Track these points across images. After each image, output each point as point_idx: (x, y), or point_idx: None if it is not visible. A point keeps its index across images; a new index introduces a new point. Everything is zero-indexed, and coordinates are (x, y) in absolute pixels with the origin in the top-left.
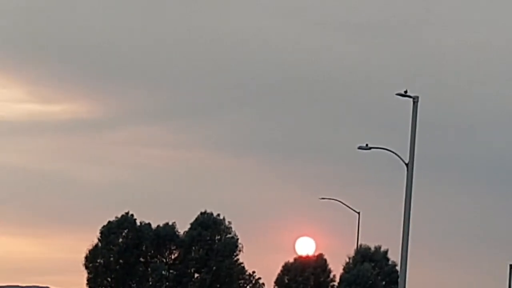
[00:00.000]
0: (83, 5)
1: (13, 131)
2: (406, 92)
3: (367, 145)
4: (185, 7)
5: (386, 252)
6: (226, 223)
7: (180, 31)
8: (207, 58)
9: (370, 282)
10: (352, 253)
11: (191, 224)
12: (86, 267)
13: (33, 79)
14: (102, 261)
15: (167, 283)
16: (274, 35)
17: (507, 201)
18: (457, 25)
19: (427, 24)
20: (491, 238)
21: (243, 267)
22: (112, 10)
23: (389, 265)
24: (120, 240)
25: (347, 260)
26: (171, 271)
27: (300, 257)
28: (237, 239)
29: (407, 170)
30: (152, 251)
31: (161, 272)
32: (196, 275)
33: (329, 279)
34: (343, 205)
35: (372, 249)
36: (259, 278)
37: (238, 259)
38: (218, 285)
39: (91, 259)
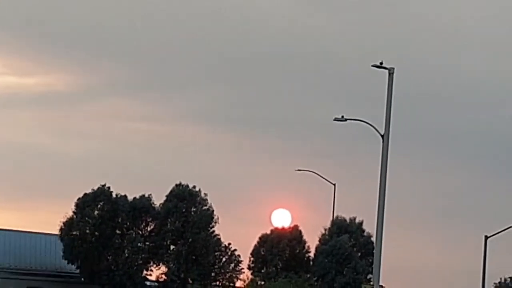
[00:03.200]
0: None
1: None
2: (381, 63)
3: (342, 116)
4: None
5: (361, 223)
6: (202, 195)
7: (154, 4)
8: (181, 32)
9: (346, 253)
10: (328, 224)
11: (167, 196)
12: (62, 240)
13: (8, 51)
14: (77, 233)
15: (143, 255)
16: (248, 10)
17: (483, 173)
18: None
19: None
20: (466, 210)
21: (219, 239)
22: None
23: (365, 236)
24: (96, 212)
25: (323, 231)
26: (147, 243)
27: (276, 229)
28: (213, 211)
29: (383, 141)
30: (128, 223)
31: (137, 244)
32: (172, 247)
33: (304, 250)
34: (319, 176)
35: (348, 220)
36: (235, 250)
37: (214, 231)
38: (194, 257)
39: (66, 231)
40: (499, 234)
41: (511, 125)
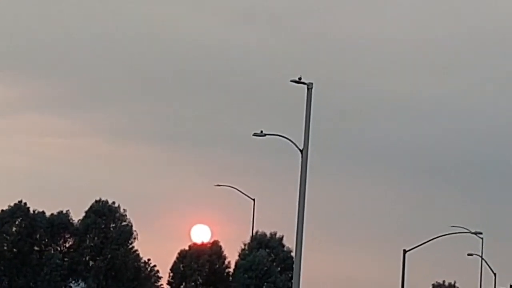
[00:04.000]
0: None
1: None
2: (300, 78)
3: (262, 131)
4: None
5: (281, 238)
6: (121, 210)
7: (75, 21)
8: (103, 49)
9: (266, 268)
10: (247, 239)
11: (86, 212)
12: None
13: None
14: None
15: (61, 272)
16: (170, 28)
17: (402, 188)
18: (355, 15)
19: (323, 12)
20: (385, 224)
21: (138, 255)
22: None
23: (285, 251)
24: (14, 229)
25: (243, 246)
26: (65, 259)
27: (195, 244)
28: (132, 226)
29: (302, 156)
30: (46, 240)
31: (56, 261)
32: (91, 263)
33: (224, 265)
34: (239, 192)
35: (268, 235)
36: (154, 266)
37: (133, 247)
38: (113, 273)
39: None
40: (418, 248)
41: (431, 141)
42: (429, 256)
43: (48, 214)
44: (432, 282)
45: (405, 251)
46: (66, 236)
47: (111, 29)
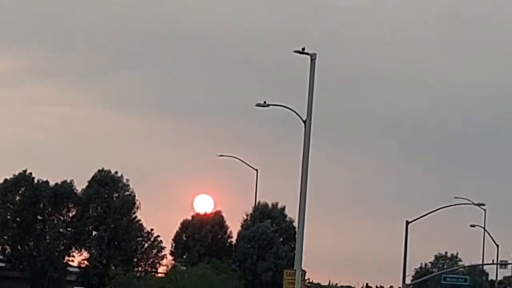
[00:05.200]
0: None
1: None
2: (303, 49)
3: (265, 102)
4: None
5: (283, 209)
6: (124, 180)
7: None
8: (103, 19)
9: (268, 238)
10: (250, 210)
11: (89, 181)
12: None
13: None
14: None
15: (64, 241)
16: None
17: (404, 159)
18: None
19: None
20: (388, 196)
21: (141, 225)
22: None
23: (287, 221)
24: (17, 198)
25: (245, 217)
26: (68, 228)
27: (198, 214)
28: (135, 196)
29: (305, 127)
30: (50, 209)
31: (59, 230)
32: (94, 232)
33: (226, 236)
34: (241, 162)
35: (270, 206)
36: (158, 236)
37: (136, 217)
38: (116, 243)
39: None
40: (420, 219)
41: (434, 115)
42: (432, 228)
43: (52, 183)
44: (435, 253)
45: (407, 222)
46: (70, 206)
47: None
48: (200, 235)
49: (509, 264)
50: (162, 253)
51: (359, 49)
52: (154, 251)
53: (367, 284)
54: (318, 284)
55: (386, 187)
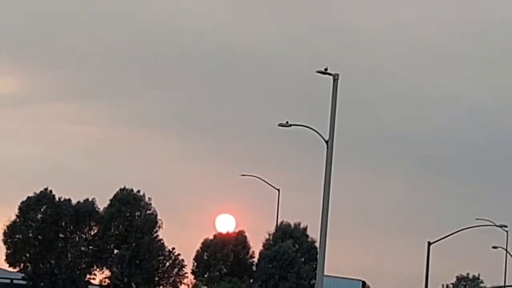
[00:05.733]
0: None
1: None
2: (326, 69)
3: (287, 122)
4: None
5: (305, 228)
6: (146, 199)
7: (95, 9)
8: (121, 38)
9: (290, 258)
10: (272, 229)
11: (111, 200)
12: (5, 243)
13: None
14: (20, 236)
15: (86, 259)
16: (188, 13)
17: (426, 180)
18: (379, 4)
19: (348, 1)
20: (410, 216)
21: (163, 244)
22: None
23: (309, 242)
24: (39, 216)
25: (267, 236)
26: (90, 247)
27: (220, 233)
28: (157, 215)
29: (327, 147)
30: (72, 227)
31: (80, 248)
32: (115, 251)
33: (248, 255)
34: (264, 182)
35: (292, 226)
36: (179, 255)
37: (157, 236)
38: (137, 261)
39: (9, 235)
40: (442, 240)
41: (458, 132)
42: (454, 249)
43: (73, 202)
44: (456, 275)
45: (429, 243)
46: (91, 224)
47: (129, 18)
48: (222, 254)
49: None
50: (184, 272)
51: (380, 67)
52: (176, 269)
53: None
54: None
55: (408, 207)
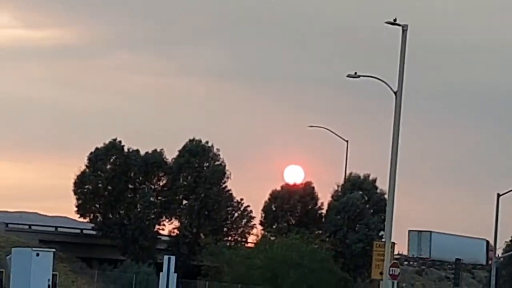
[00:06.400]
0: None
1: None
2: (395, 20)
3: (355, 73)
4: None
5: (374, 180)
6: (214, 150)
7: None
8: None
9: (358, 210)
10: (340, 181)
11: (179, 151)
12: (75, 193)
13: (16, 4)
14: (90, 187)
15: (155, 210)
16: None
17: (496, 131)
18: None
19: None
20: (479, 168)
21: (231, 195)
22: None
23: (377, 193)
24: (108, 166)
25: (336, 188)
26: (159, 197)
27: (287, 184)
28: (225, 166)
29: (396, 98)
30: (140, 178)
31: (149, 199)
32: (184, 201)
33: (317, 206)
34: (332, 133)
35: (361, 177)
36: (247, 206)
37: (226, 187)
38: (206, 212)
39: (79, 185)
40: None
41: None
42: None
43: (142, 152)
44: None
45: (499, 195)
46: (160, 175)
47: None
48: (289, 205)
49: None
50: (252, 223)
51: (451, 19)
52: (244, 221)
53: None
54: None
55: (477, 158)
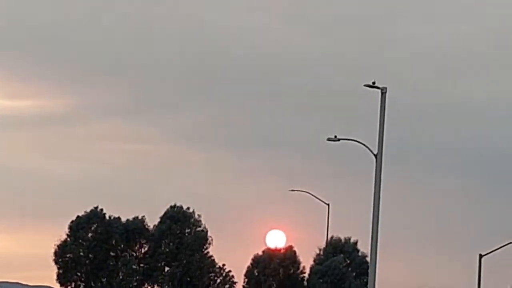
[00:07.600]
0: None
1: None
2: (374, 83)
3: (335, 136)
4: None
5: (356, 243)
6: (196, 216)
7: (142, 28)
8: (169, 55)
9: (341, 273)
10: (322, 245)
11: (161, 217)
12: (56, 262)
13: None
14: (71, 256)
15: (137, 277)
16: (240, 29)
17: (476, 192)
18: (426, 19)
19: (395, 17)
20: (460, 229)
21: (213, 260)
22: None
23: (359, 256)
24: (90, 234)
25: (318, 252)
26: (141, 265)
27: (269, 249)
28: (207, 232)
29: (376, 161)
30: (122, 245)
31: (131, 266)
32: (166, 268)
33: (299, 271)
34: (313, 197)
35: (343, 240)
36: (230, 271)
37: (208, 252)
38: (188, 279)
39: (60, 254)
40: (494, 252)
41: (508, 145)
42: (506, 261)
43: (123, 219)
44: (509, 287)
45: (481, 256)
46: (142, 242)
47: (183, 34)
48: (271, 270)
49: None
50: None
51: (429, 79)
52: (226, 286)
53: None
54: None
55: (459, 220)
